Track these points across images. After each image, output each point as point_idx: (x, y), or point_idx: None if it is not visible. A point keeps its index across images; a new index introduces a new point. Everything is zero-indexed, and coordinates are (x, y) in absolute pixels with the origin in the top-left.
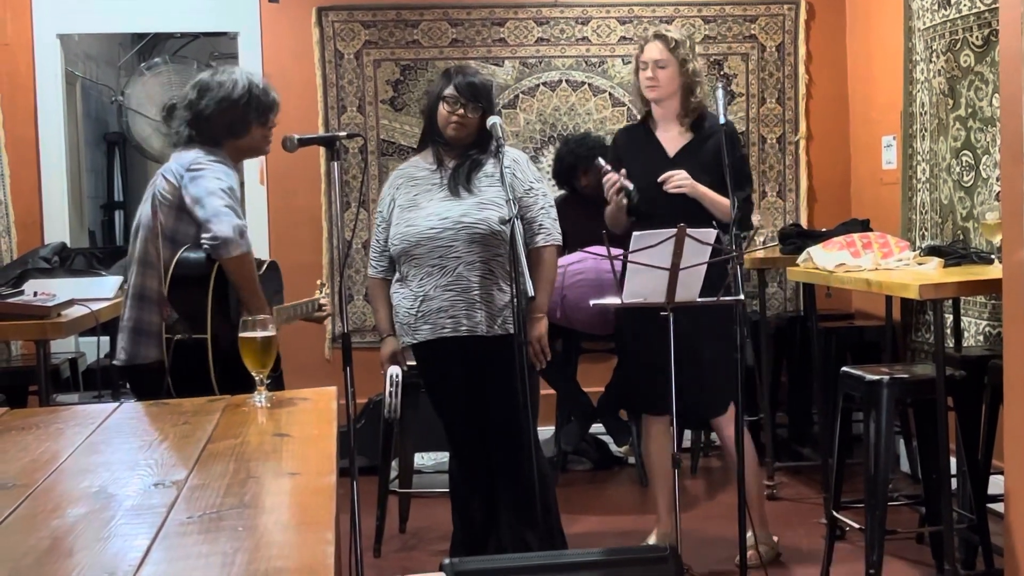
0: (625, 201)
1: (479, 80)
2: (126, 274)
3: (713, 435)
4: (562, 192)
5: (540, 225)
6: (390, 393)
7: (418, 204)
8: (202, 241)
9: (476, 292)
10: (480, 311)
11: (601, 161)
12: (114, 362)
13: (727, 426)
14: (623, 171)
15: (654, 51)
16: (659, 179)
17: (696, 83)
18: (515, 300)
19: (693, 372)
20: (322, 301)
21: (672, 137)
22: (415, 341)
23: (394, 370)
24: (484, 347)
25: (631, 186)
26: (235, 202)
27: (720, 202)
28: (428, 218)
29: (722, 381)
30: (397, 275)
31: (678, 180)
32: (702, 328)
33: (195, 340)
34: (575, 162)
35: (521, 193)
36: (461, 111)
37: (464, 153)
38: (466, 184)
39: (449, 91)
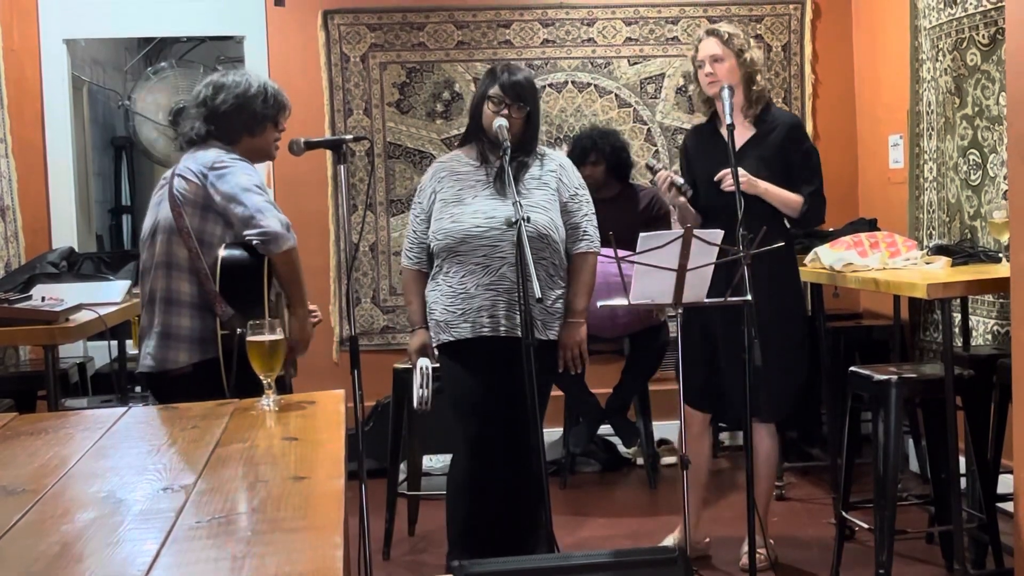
0: (681, 198)
1: (524, 79)
2: (140, 279)
3: (722, 436)
4: None
5: (584, 231)
6: (420, 385)
7: (463, 200)
8: (249, 237)
9: (518, 294)
10: (520, 313)
11: (652, 161)
12: (139, 370)
13: (761, 431)
14: (675, 168)
15: (709, 47)
16: (715, 178)
17: (756, 71)
18: (522, 304)
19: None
20: (311, 306)
21: (736, 132)
22: (452, 339)
23: (424, 362)
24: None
25: (682, 181)
26: (271, 197)
27: (786, 197)
28: (474, 215)
29: (775, 387)
30: (435, 271)
31: (731, 180)
32: (765, 330)
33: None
34: (591, 148)
35: (567, 198)
36: (506, 111)
37: (511, 155)
38: (512, 184)
39: (494, 91)
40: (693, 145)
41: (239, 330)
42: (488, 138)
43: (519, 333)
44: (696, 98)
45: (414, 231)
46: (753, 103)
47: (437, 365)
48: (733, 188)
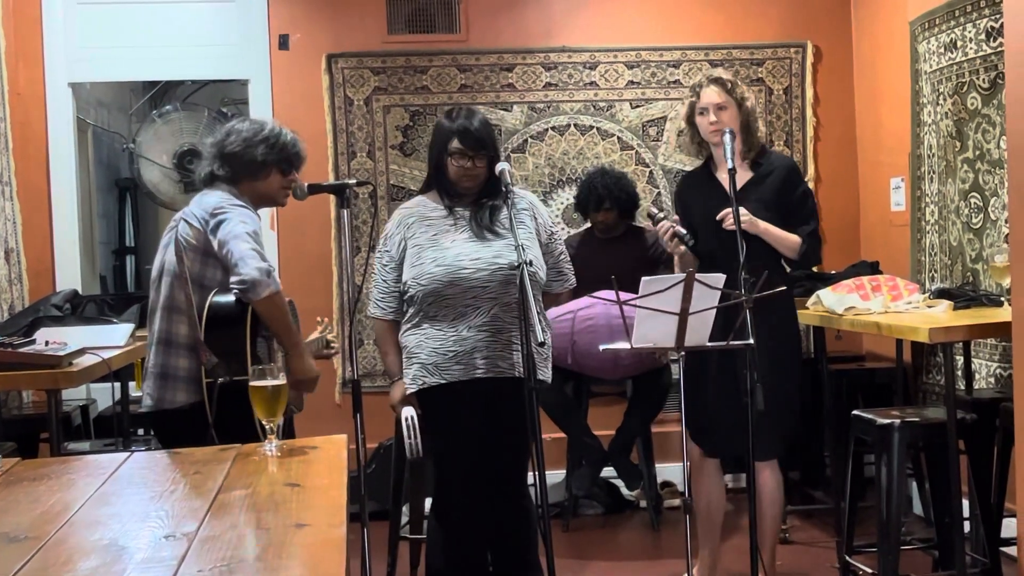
0: (682, 247)
1: (480, 124)
2: (148, 320)
3: (726, 477)
4: (579, 231)
5: (560, 272)
6: (409, 434)
7: (440, 244)
8: (231, 285)
9: (512, 334)
10: (516, 352)
11: (653, 209)
12: (140, 409)
13: (764, 471)
14: (675, 217)
15: (712, 95)
16: (717, 217)
17: (755, 119)
18: (524, 345)
19: (745, 414)
20: (329, 337)
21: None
22: (443, 382)
23: (409, 411)
24: (516, 389)
25: (684, 231)
26: (260, 245)
27: (785, 238)
28: (457, 258)
29: (773, 426)
30: (412, 316)
31: (732, 219)
32: (761, 370)
33: (235, 383)
34: (606, 196)
35: (546, 239)
36: (469, 164)
37: (477, 199)
38: (490, 227)
39: (455, 146)
40: (689, 191)
41: (220, 379)
42: (453, 188)
43: (513, 373)
44: (689, 142)
45: (384, 280)
46: (752, 148)
47: (419, 412)
48: (734, 227)
